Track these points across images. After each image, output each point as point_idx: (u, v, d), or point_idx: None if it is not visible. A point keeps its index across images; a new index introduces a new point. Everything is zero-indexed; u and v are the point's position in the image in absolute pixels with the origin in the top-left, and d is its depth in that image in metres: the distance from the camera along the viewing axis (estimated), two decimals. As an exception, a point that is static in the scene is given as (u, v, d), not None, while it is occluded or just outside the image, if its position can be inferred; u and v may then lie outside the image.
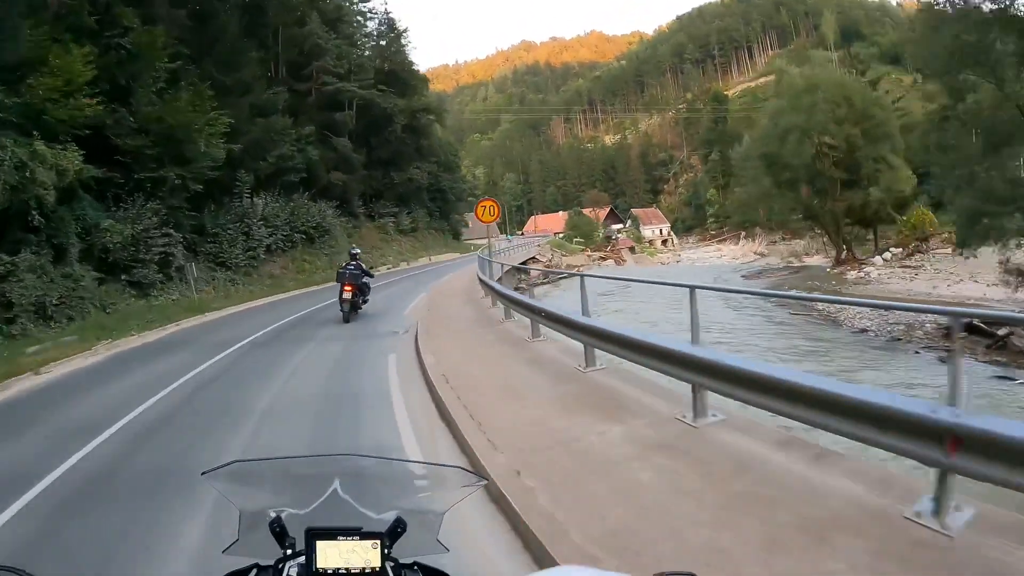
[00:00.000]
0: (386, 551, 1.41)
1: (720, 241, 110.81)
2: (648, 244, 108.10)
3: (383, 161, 51.86)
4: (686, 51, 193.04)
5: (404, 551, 1.46)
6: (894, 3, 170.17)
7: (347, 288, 16.67)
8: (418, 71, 58.60)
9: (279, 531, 1.47)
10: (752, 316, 28.50)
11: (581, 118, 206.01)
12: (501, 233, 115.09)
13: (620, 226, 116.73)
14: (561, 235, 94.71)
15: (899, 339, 21.97)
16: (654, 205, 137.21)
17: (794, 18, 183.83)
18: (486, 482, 2.09)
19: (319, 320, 17.90)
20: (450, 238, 67.35)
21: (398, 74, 55.62)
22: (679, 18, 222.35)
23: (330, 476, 1.56)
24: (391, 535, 1.45)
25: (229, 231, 29.44)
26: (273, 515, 1.50)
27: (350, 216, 45.27)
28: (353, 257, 17.57)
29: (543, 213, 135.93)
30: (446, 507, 1.62)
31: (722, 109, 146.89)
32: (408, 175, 53.89)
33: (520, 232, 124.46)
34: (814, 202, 52.89)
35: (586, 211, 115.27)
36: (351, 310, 16.91)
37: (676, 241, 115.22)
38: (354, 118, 47.64)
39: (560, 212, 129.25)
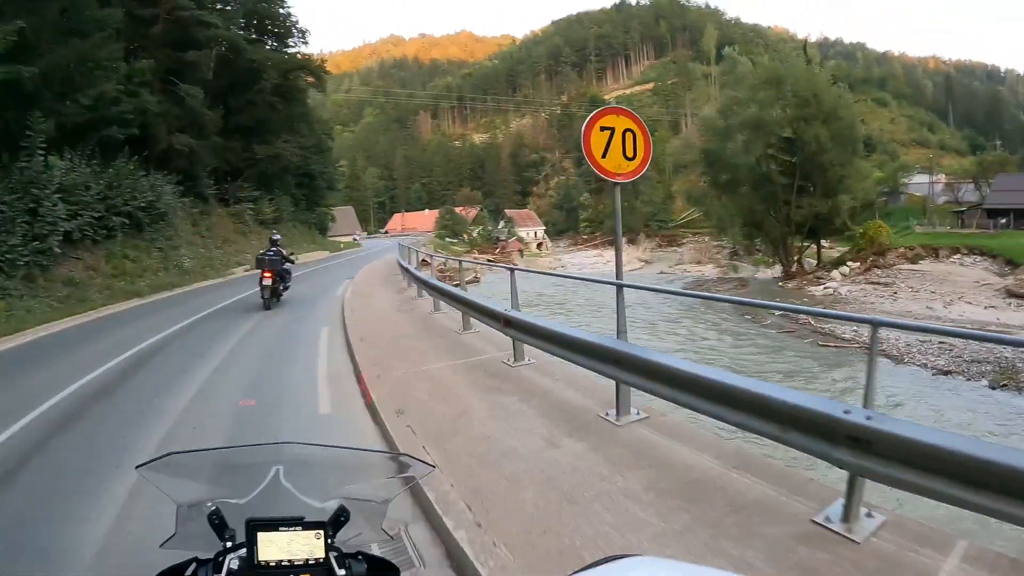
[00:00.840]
0: (329, 541, 1.40)
1: (594, 246, 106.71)
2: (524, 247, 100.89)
3: (245, 129, 40.58)
4: (563, 54, 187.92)
5: (348, 540, 1.48)
6: (765, 25, 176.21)
7: (267, 275, 16.66)
8: (297, 22, 46.68)
9: (218, 523, 1.45)
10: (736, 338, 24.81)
11: (449, 115, 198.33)
12: (362, 230, 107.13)
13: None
14: (432, 234, 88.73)
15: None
16: (527, 207, 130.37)
17: (672, 31, 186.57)
18: (433, 469, 1.78)
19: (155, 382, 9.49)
20: (316, 233, 56.56)
21: (270, 20, 44.43)
22: (555, 22, 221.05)
23: (269, 464, 1.54)
24: (334, 524, 1.44)
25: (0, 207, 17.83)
26: (211, 507, 1.47)
27: (197, 198, 33.38)
28: (273, 243, 17.54)
29: (409, 211, 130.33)
30: (391, 495, 1.62)
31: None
32: (275, 150, 42.34)
33: (384, 231, 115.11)
34: (759, 207, 46.55)
35: (458, 210, 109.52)
36: (271, 296, 16.85)
37: (550, 245, 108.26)
38: (212, 66, 34.86)
39: (426, 210, 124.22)
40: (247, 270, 28.69)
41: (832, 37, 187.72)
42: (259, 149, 41.77)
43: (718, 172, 47.94)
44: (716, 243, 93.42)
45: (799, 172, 43.51)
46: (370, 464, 1.81)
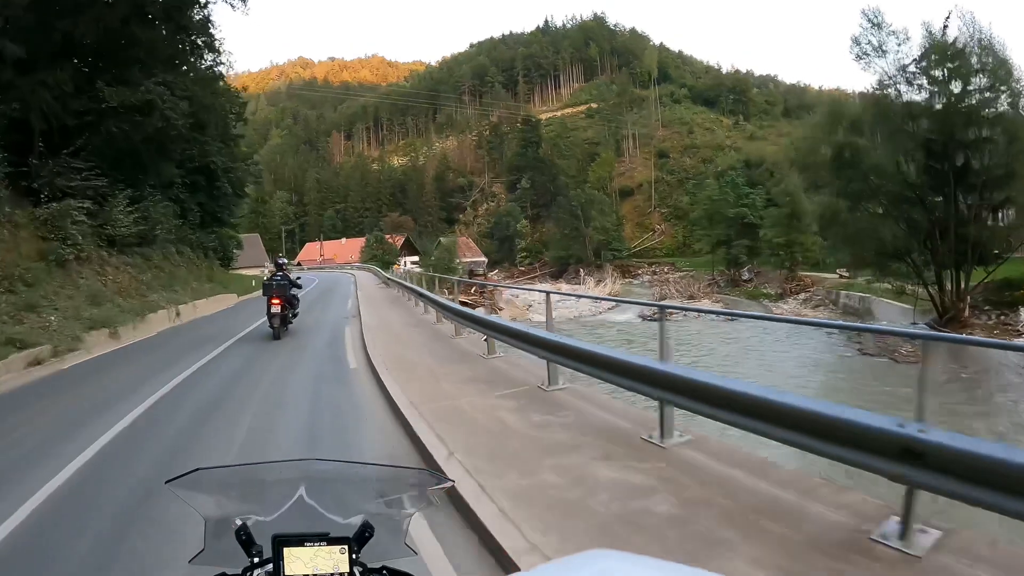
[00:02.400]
0: (354, 556, 1.42)
1: (531, 279, 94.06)
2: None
3: (85, 50, 23.45)
4: (488, 73, 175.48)
5: (372, 555, 1.48)
6: (688, 52, 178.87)
7: (275, 302, 15.91)
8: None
9: (245, 539, 1.46)
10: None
11: (365, 135, 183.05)
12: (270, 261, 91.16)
13: (416, 259, 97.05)
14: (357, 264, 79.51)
15: None
16: (462, 234, 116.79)
17: (601, 54, 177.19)
18: (452, 482, 1.78)
19: None
20: (215, 263, 37.76)
21: None
22: (477, 44, 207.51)
23: (295, 481, 1.56)
24: (359, 539, 1.46)
25: None
26: (239, 523, 1.49)
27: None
28: (280, 267, 17.01)
29: (324, 239, 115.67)
30: (413, 510, 1.64)
31: (533, 134, 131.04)
32: (141, 95, 22.72)
33: (296, 263, 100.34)
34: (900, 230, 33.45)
35: (388, 238, 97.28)
36: (282, 324, 16.13)
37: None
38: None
39: (344, 239, 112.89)
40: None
41: (744, 69, 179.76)
42: (110, 92, 22.23)
43: (850, 182, 34.73)
44: (680, 273, 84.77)
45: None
46: (391, 479, 1.77)
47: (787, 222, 63.94)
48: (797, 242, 63.50)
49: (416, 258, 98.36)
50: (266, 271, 35.69)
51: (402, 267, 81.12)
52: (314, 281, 46.26)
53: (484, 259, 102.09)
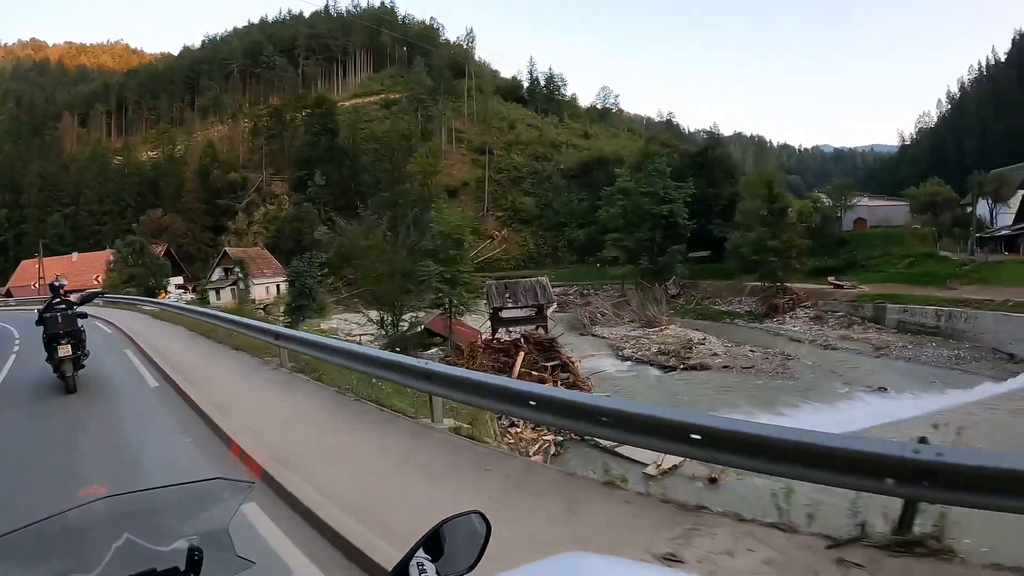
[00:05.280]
0: None
1: (338, 302, 70.00)
2: (262, 309, 60.68)
3: None
4: (264, 52, 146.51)
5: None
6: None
7: (63, 345, 11.74)
8: None
9: None
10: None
11: (105, 122, 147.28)
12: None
13: (180, 280, 72.96)
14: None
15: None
16: (232, 245, 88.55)
17: (392, 45, 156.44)
18: (253, 484, 2.02)
19: None
20: None
21: None
22: (248, 25, 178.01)
23: (104, 525, 1.48)
24: (191, 565, 1.41)
25: None
26: None
27: None
28: (56, 291, 12.52)
29: (46, 254, 76.29)
30: (227, 520, 1.60)
31: (328, 120, 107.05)
32: None
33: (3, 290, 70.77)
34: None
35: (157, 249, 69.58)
36: (75, 371, 12.03)
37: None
38: None
39: (75, 254, 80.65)
40: None
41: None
42: None
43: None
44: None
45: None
46: (195, 496, 1.71)
47: (774, 221, 54.96)
48: (793, 245, 54.48)
49: (180, 279, 72.27)
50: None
51: (169, 296, 55.55)
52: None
53: (283, 276, 77.31)
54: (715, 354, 39.28)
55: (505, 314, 37.59)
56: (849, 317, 46.88)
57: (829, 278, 55.24)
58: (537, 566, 1.37)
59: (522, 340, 29.89)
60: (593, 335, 49.20)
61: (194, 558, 1.38)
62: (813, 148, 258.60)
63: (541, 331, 34.24)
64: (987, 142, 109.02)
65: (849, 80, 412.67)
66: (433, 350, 35.69)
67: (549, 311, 39.80)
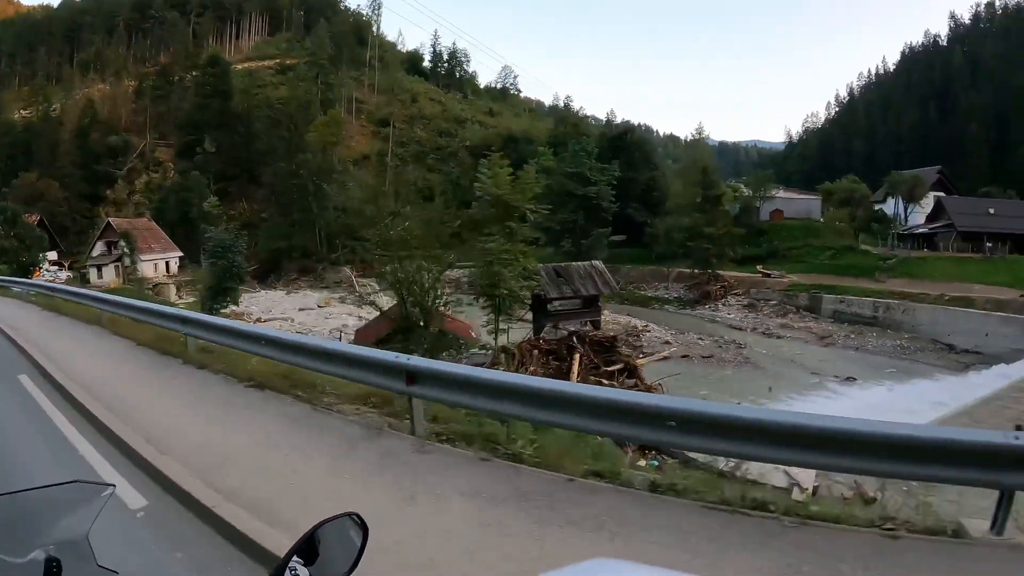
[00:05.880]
0: None
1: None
2: (151, 288, 55.93)
3: None
4: (154, 5, 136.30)
5: None
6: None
7: None
8: None
9: None
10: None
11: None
12: None
13: (54, 255, 68.04)
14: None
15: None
16: (109, 215, 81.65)
17: (289, 8, 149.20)
18: (114, 487, 1.78)
19: None
20: None
21: None
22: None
23: None
24: None
25: None
26: None
27: None
28: None
29: None
30: (87, 528, 1.52)
31: (221, 82, 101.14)
32: None
33: None
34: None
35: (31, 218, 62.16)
36: None
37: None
38: None
39: None
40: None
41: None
42: None
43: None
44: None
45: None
46: (51, 501, 1.58)
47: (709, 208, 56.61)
48: (728, 232, 56.27)
49: (54, 254, 66.32)
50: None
51: (44, 274, 50.33)
52: None
53: (178, 252, 71.94)
54: (666, 342, 39.29)
55: (552, 307, 32.29)
56: (783, 306, 47.76)
57: (757, 267, 56.21)
58: (564, 572, 1.37)
59: (575, 340, 26.47)
60: (522, 320, 47.19)
61: (52, 569, 1.28)
62: (697, 139, 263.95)
63: (590, 327, 30.90)
64: (874, 144, 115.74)
65: (730, 77, 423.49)
66: (472, 352, 30.65)
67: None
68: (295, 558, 1.53)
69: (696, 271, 56.10)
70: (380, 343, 23.93)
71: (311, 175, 74.79)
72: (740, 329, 44.61)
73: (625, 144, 78.67)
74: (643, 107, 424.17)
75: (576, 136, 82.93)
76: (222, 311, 36.43)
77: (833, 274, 49.39)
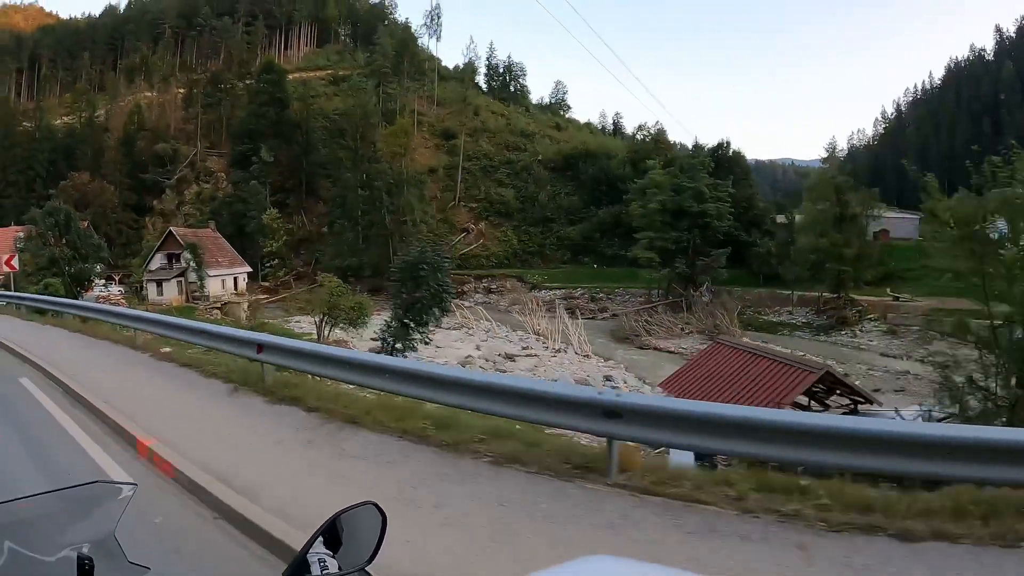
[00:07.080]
0: None
1: (283, 298, 60.84)
2: (218, 308, 49.85)
3: None
4: (200, 14, 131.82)
5: None
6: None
7: None
8: None
9: None
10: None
11: (15, 82, 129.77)
12: None
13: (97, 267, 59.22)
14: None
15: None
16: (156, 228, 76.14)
17: (338, 20, 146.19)
18: (136, 486, 1.75)
19: None
20: None
21: None
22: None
23: None
24: (83, 575, 1.35)
25: None
26: None
27: None
28: None
29: None
30: (113, 525, 1.53)
31: (278, 89, 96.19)
32: None
33: None
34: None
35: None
36: None
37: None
38: None
39: None
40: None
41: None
42: None
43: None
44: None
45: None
46: (76, 501, 1.61)
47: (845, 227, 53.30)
48: (866, 253, 54.29)
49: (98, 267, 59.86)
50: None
51: (95, 289, 43.97)
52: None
53: (246, 268, 65.97)
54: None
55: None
56: (926, 332, 42.14)
57: (887, 289, 53.44)
58: (560, 569, 1.38)
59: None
60: (655, 348, 42.40)
61: (84, 567, 1.30)
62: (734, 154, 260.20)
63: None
64: (928, 161, 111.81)
65: (757, 97, 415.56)
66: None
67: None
68: (319, 544, 1.53)
69: (821, 294, 52.82)
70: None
71: (385, 187, 68.68)
72: (893, 357, 40.86)
73: (722, 159, 73.52)
74: (677, 124, 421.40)
75: (657, 151, 77.85)
76: (408, 351, 29.08)
77: (957, 297, 43.84)
